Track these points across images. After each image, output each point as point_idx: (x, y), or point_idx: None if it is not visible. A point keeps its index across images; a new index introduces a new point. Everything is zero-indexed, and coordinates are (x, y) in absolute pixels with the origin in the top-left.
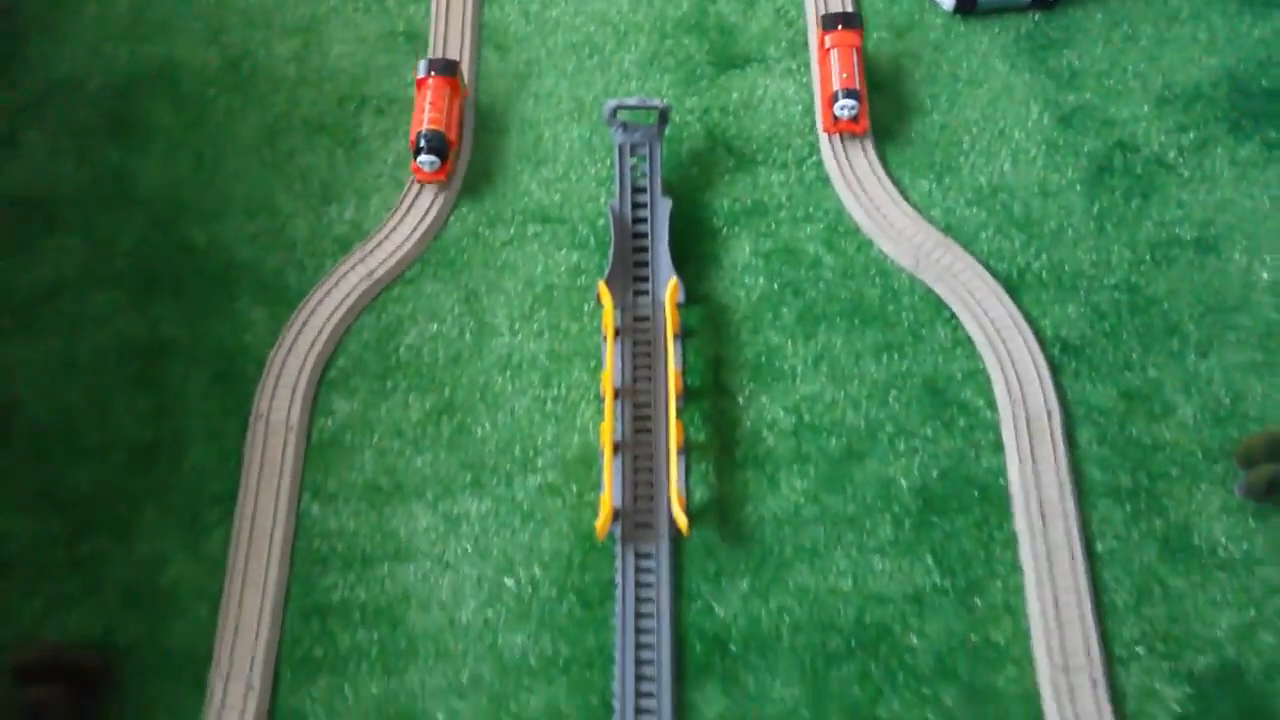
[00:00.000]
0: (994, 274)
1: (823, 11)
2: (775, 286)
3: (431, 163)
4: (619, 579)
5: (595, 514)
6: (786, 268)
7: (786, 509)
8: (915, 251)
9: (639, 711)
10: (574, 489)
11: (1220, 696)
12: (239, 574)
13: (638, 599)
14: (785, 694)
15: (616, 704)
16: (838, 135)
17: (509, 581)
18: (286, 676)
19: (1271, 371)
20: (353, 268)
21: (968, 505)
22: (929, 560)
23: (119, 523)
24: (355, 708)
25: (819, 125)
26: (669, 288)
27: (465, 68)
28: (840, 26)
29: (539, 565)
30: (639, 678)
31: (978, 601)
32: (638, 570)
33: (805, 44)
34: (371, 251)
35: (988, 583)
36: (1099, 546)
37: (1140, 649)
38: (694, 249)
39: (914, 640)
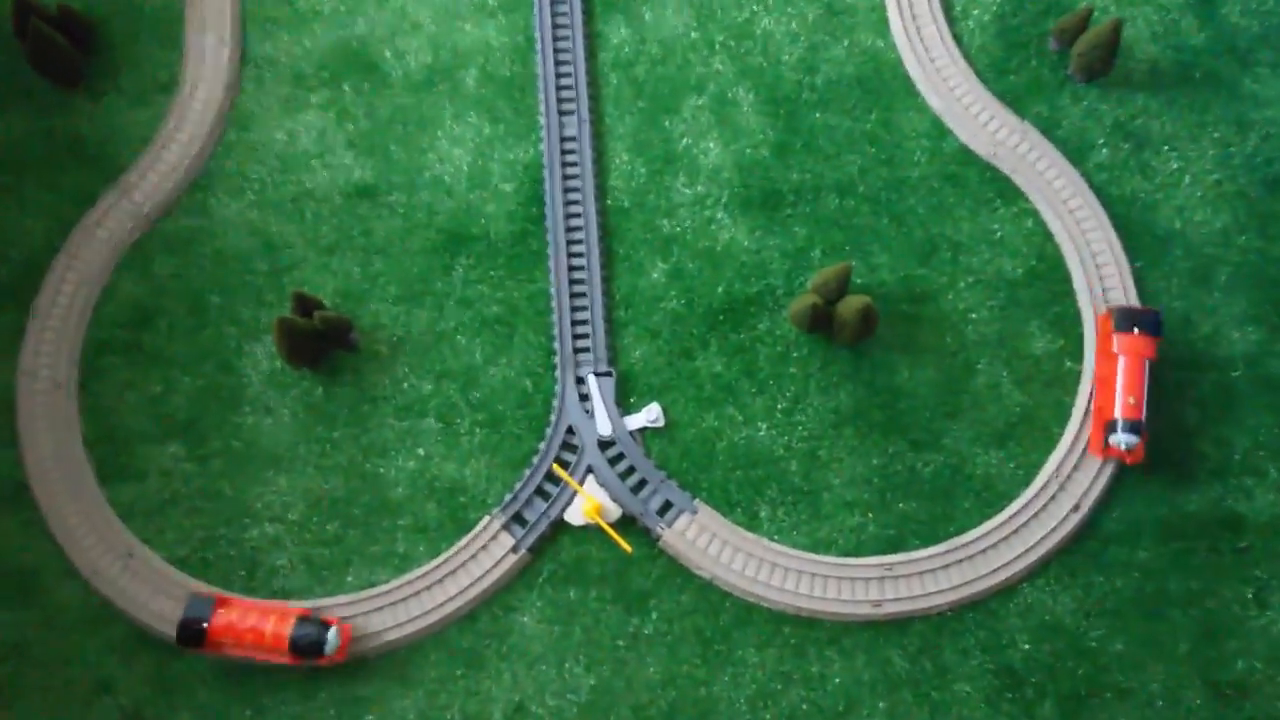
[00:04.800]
0: None
1: (1112, 301)
2: None
3: None
4: None
5: None
6: None
7: None
8: None
9: (556, 40)
10: None
11: None
12: None
13: None
14: (676, 21)
15: (537, 34)
16: None
17: None
18: (253, 33)
19: None
20: None
21: None
22: None
23: None
24: (315, 52)
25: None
26: None
27: None
28: (1135, 330)
29: None
30: (555, 14)
31: None
32: None
33: None
34: None
35: None
36: None
37: None
38: None
39: None
